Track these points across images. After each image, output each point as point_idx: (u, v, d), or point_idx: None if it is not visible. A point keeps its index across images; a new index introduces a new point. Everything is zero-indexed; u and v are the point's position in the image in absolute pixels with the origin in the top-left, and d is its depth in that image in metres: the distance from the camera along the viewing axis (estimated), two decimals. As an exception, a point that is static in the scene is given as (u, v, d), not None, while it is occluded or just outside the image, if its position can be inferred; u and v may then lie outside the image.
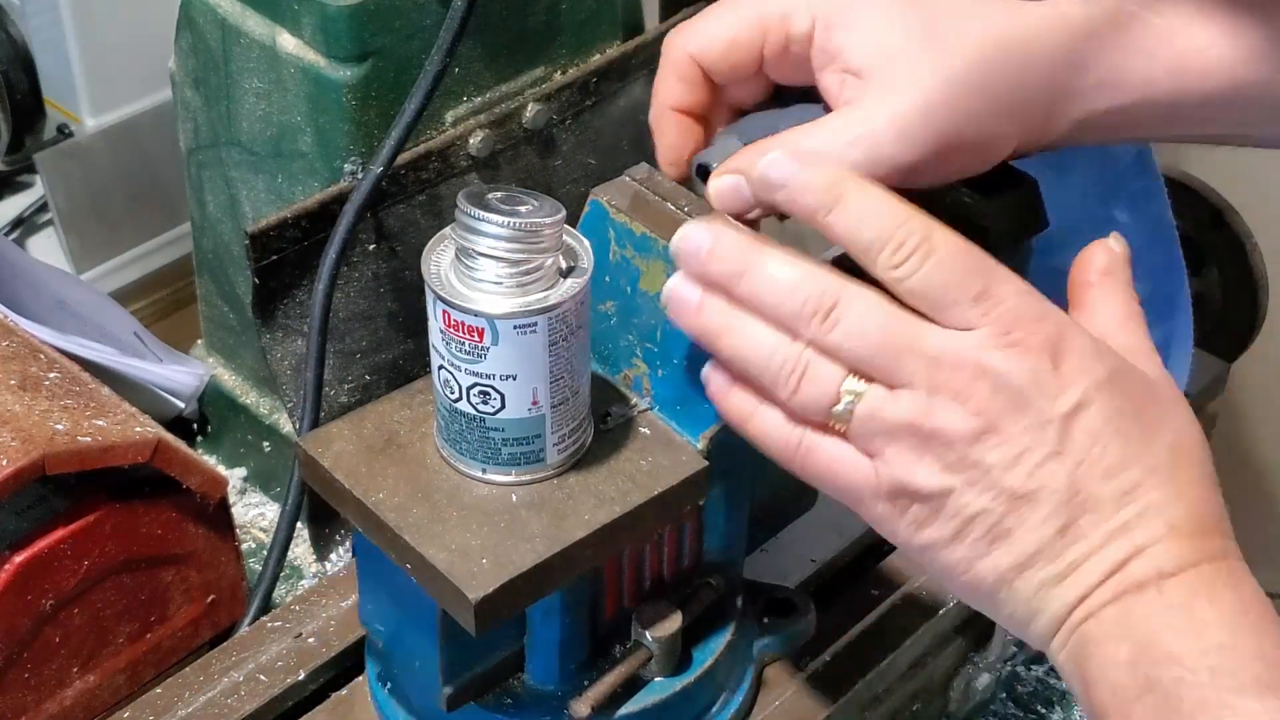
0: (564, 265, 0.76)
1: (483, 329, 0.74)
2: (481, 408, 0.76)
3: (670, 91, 0.82)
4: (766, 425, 0.73)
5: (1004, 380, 0.68)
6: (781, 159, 0.72)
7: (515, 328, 0.74)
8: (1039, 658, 1.09)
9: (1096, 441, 0.68)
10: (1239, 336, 1.20)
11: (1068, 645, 0.69)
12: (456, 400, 0.76)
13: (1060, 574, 0.69)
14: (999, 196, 0.84)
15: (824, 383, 0.70)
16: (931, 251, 0.69)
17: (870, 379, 0.70)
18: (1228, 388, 1.19)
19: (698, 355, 0.78)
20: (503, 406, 0.76)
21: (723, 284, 0.72)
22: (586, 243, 0.77)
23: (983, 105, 0.77)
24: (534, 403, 0.76)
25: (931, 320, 0.69)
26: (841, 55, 0.78)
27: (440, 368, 0.77)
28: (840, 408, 0.70)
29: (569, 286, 0.75)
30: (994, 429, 0.68)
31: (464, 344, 0.74)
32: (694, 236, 0.73)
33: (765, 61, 0.81)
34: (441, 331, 0.75)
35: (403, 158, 1.01)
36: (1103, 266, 0.77)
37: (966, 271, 0.69)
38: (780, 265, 0.71)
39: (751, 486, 0.87)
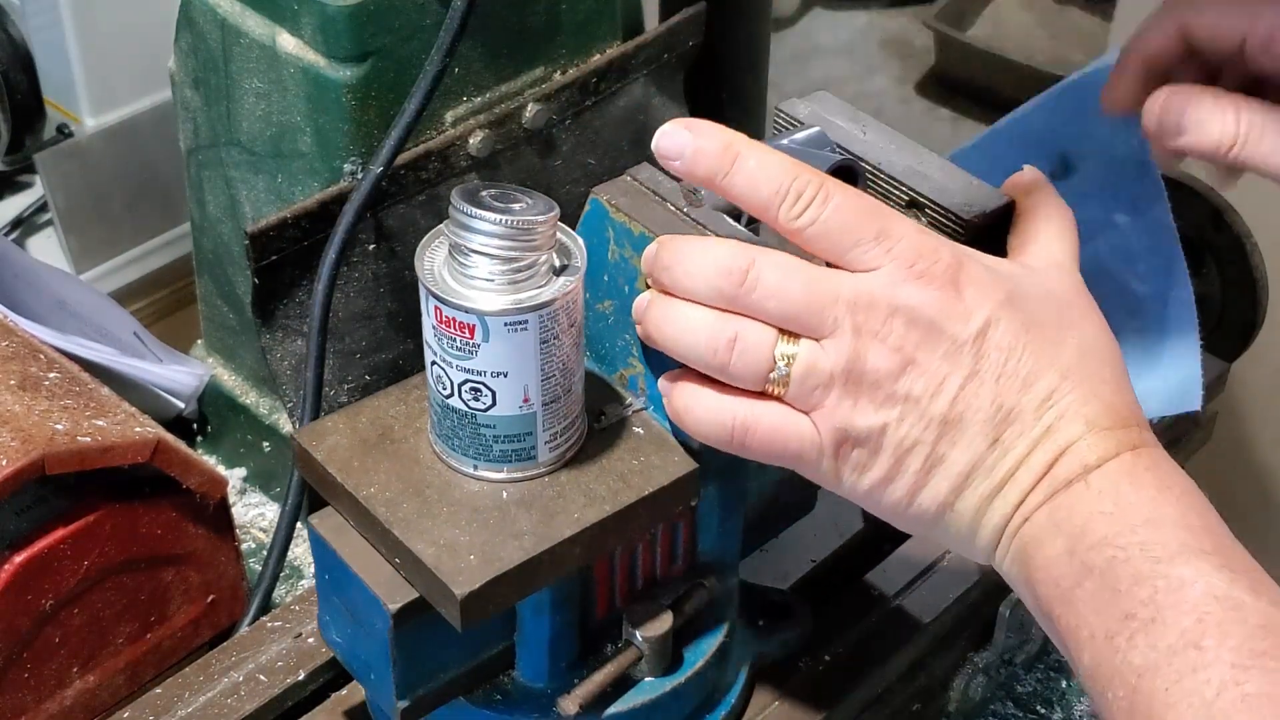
0: (557, 263, 0.76)
1: (474, 325, 0.74)
2: (473, 404, 0.76)
3: (1152, 44, 0.91)
4: (707, 408, 0.75)
5: (916, 313, 0.71)
6: (672, 129, 0.74)
7: (506, 325, 0.74)
8: (1039, 658, 1.08)
9: (1010, 356, 0.72)
10: (1239, 336, 1.20)
11: (1010, 552, 0.73)
12: (449, 396, 0.77)
13: (995, 487, 0.72)
14: (971, 216, 0.84)
15: (757, 348, 0.73)
16: (829, 198, 0.72)
17: (798, 337, 0.73)
18: (1228, 388, 1.19)
19: None
20: (494, 403, 0.76)
21: (657, 277, 0.76)
22: (580, 241, 0.77)
23: None
24: (525, 400, 0.76)
25: (839, 267, 0.72)
26: None
27: (433, 363, 0.77)
28: (776, 372, 0.73)
29: (561, 284, 0.75)
30: (913, 361, 0.71)
31: (455, 340, 0.75)
32: (647, 256, 0.77)
33: (1246, 50, 0.88)
34: (434, 327, 0.76)
35: (403, 158, 1.01)
36: (1028, 183, 0.82)
37: (864, 213, 0.72)
38: (698, 248, 0.74)
39: (745, 489, 0.87)
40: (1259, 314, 1.22)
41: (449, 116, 1.05)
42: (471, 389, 0.76)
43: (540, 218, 0.73)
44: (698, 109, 1.22)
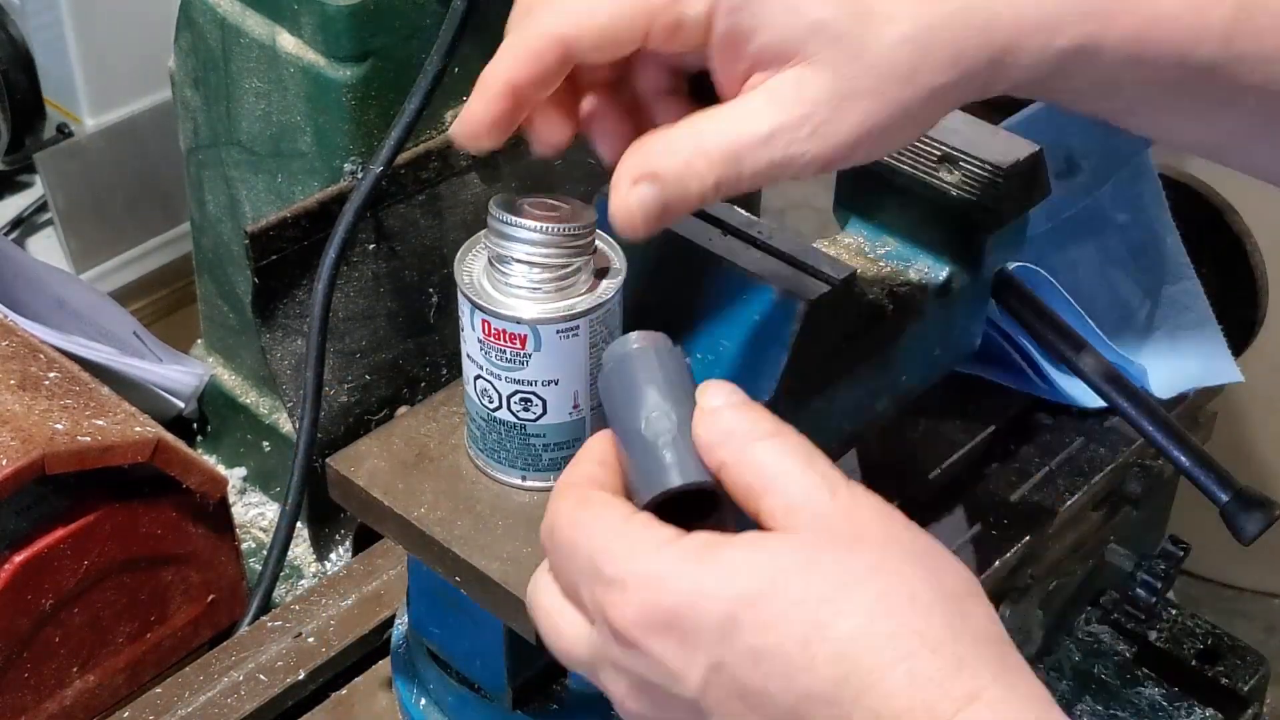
0: (596, 266, 0.75)
1: (525, 335, 0.73)
2: (522, 415, 0.76)
3: (516, 69, 0.68)
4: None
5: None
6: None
7: (558, 332, 0.73)
8: (1039, 658, 1.09)
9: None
10: (1239, 336, 1.20)
11: None
12: (496, 409, 0.76)
13: None
14: (1008, 165, 0.85)
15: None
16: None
17: None
18: (1228, 388, 1.19)
19: (720, 349, 0.78)
20: (544, 412, 0.76)
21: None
22: (614, 244, 0.77)
23: (920, 88, 0.68)
24: (575, 406, 0.76)
25: None
26: (750, 37, 0.67)
27: (477, 378, 0.76)
28: None
29: (606, 287, 0.74)
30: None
31: (505, 352, 0.74)
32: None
33: (648, 45, 0.68)
34: (480, 341, 0.75)
35: (403, 157, 1.01)
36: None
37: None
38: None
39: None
40: (1259, 314, 1.22)
41: (449, 116, 1.05)
42: (521, 399, 0.75)
43: (583, 222, 0.73)
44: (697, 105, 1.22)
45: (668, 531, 0.62)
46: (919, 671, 0.58)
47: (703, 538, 0.62)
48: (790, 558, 0.61)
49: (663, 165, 0.67)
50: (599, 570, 0.62)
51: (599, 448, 0.67)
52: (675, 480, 0.63)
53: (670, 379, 0.66)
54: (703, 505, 0.64)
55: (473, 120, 0.69)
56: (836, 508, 0.62)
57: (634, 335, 0.68)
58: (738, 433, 0.64)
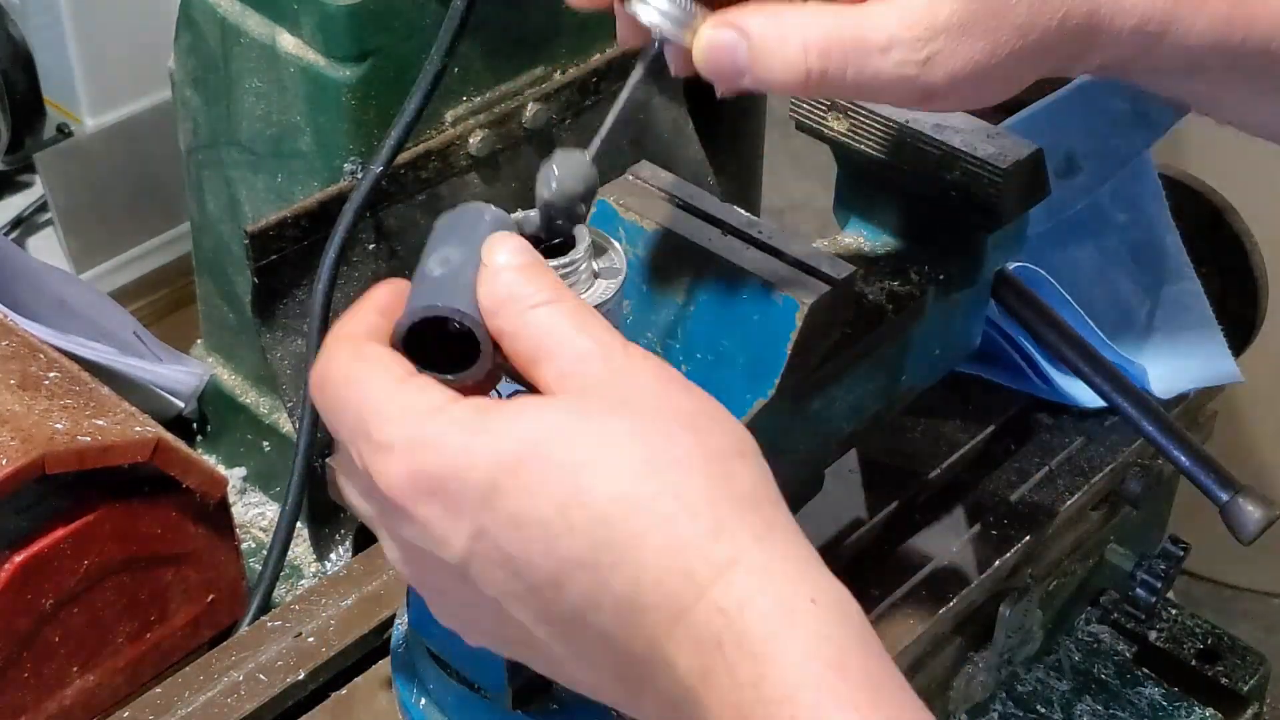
0: (597, 266, 0.75)
1: None
2: None
3: None
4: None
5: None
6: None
7: None
8: (1039, 658, 1.09)
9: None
10: (1239, 336, 1.20)
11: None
12: None
13: None
14: (1008, 165, 0.85)
15: None
16: None
17: None
18: (1228, 387, 1.19)
19: (721, 349, 0.78)
20: None
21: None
22: (615, 243, 0.77)
23: (1029, 42, 0.67)
24: None
25: None
26: None
27: None
28: None
29: (606, 287, 0.74)
30: None
31: None
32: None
33: None
34: None
35: (403, 157, 1.01)
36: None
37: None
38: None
39: (773, 473, 0.86)
40: (1259, 314, 1.22)
41: (449, 116, 1.05)
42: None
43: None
44: (697, 108, 1.22)
45: (442, 395, 0.61)
46: (677, 536, 0.58)
47: (473, 403, 0.61)
48: (553, 422, 0.60)
49: (756, 27, 0.67)
50: (368, 433, 0.61)
51: (383, 295, 0.65)
52: (431, 301, 0.62)
53: (483, 238, 0.65)
54: (469, 353, 0.63)
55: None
56: (607, 372, 0.61)
57: (477, 203, 0.67)
58: (515, 298, 0.63)
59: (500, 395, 0.66)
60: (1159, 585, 1.09)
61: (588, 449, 0.59)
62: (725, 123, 1.27)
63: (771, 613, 0.57)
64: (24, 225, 1.34)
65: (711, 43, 0.67)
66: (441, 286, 0.63)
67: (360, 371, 0.62)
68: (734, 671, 0.57)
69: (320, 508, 1.09)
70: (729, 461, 0.60)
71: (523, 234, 0.67)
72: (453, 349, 0.63)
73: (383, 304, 0.65)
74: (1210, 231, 1.21)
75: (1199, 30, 0.69)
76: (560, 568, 0.59)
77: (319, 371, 0.63)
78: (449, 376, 0.63)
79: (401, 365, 0.62)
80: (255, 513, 1.17)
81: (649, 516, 0.58)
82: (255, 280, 1.01)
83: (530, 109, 1.08)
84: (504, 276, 0.63)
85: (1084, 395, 1.01)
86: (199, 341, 1.22)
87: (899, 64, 0.66)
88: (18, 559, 0.88)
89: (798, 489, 0.95)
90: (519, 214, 0.69)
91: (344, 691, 0.93)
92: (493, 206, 0.68)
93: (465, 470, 0.59)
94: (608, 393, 0.61)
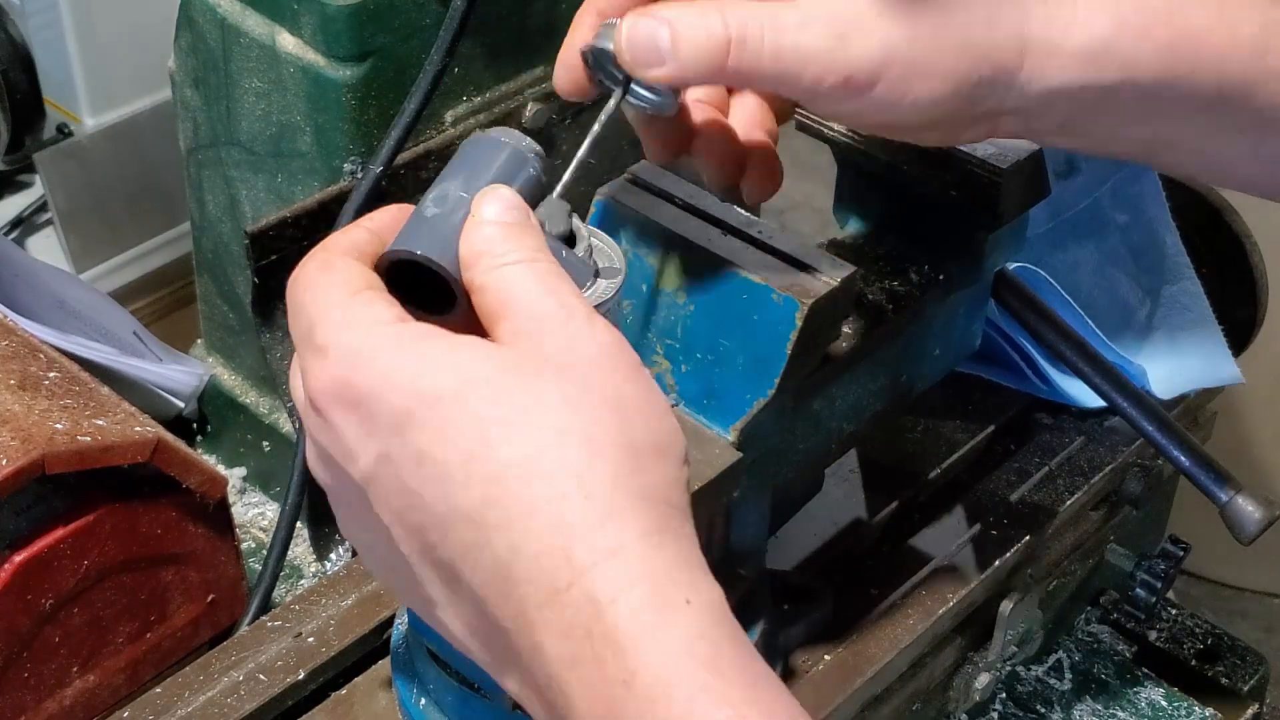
0: (598, 266, 0.75)
1: None
2: None
3: None
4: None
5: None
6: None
7: None
8: (1039, 658, 1.09)
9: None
10: (1239, 336, 1.20)
11: None
12: None
13: None
14: (1008, 165, 0.85)
15: None
16: None
17: None
18: (1228, 388, 1.19)
19: (721, 349, 0.78)
20: None
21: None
22: (614, 243, 0.77)
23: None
24: None
25: None
26: None
27: None
28: None
29: (605, 287, 0.74)
30: None
31: None
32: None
33: None
34: None
35: (402, 157, 1.01)
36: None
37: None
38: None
39: (775, 475, 0.87)
40: (1258, 314, 1.22)
41: (449, 116, 1.05)
42: None
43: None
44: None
45: (390, 313, 0.62)
46: (566, 514, 0.58)
47: (419, 328, 0.61)
48: (484, 370, 0.60)
49: (676, 13, 0.69)
50: (311, 335, 0.63)
51: (381, 216, 0.66)
52: (412, 245, 0.63)
53: (497, 176, 0.65)
54: (445, 299, 0.63)
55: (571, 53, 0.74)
56: (560, 337, 0.61)
57: (500, 130, 0.68)
58: (491, 254, 0.63)
59: None
60: (1159, 585, 1.09)
61: (507, 406, 0.59)
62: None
63: (643, 609, 0.57)
64: (24, 225, 1.34)
65: (633, 28, 0.69)
66: (429, 230, 0.64)
67: (321, 279, 0.64)
68: (603, 665, 0.57)
69: (320, 508, 1.09)
70: (643, 455, 0.60)
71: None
72: (441, 287, 0.64)
73: (377, 224, 0.66)
74: (1210, 231, 1.21)
75: (1145, 60, 0.69)
76: (449, 515, 0.59)
77: (292, 277, 0.65)
78: (429, 316, 0.63)
79: (364, 279, 0.63)
80: (255, 513, 1.17)
81: (545, 488, 0.58)
82: (255, 280, 1.01)
83: (530, 109, 1.08)
84: (485, 230, 0.63)
85: (1084, 395, 1.01)
86: (199, 341, 1.22)
87: (817, 36, 0.67)
88: (18, 559, 0.88)
89: (798, 489, 0.95)
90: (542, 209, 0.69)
91: (344, 691, 0.93)
92: (516, 136, 0.68)
93: (386, 391, 0.60)
94: (550, 355, 0.60)
